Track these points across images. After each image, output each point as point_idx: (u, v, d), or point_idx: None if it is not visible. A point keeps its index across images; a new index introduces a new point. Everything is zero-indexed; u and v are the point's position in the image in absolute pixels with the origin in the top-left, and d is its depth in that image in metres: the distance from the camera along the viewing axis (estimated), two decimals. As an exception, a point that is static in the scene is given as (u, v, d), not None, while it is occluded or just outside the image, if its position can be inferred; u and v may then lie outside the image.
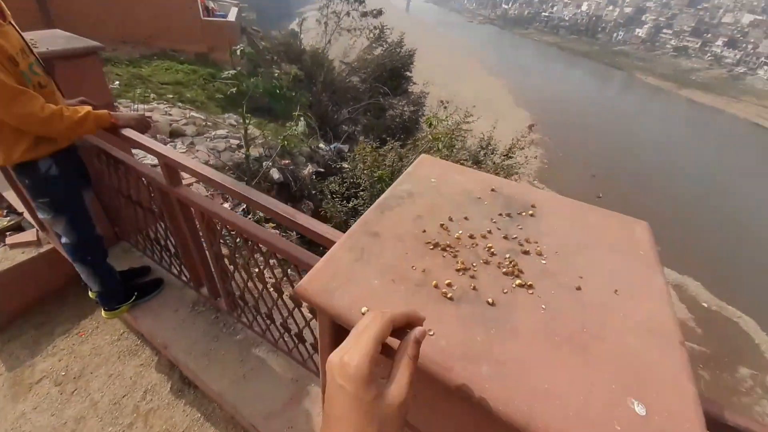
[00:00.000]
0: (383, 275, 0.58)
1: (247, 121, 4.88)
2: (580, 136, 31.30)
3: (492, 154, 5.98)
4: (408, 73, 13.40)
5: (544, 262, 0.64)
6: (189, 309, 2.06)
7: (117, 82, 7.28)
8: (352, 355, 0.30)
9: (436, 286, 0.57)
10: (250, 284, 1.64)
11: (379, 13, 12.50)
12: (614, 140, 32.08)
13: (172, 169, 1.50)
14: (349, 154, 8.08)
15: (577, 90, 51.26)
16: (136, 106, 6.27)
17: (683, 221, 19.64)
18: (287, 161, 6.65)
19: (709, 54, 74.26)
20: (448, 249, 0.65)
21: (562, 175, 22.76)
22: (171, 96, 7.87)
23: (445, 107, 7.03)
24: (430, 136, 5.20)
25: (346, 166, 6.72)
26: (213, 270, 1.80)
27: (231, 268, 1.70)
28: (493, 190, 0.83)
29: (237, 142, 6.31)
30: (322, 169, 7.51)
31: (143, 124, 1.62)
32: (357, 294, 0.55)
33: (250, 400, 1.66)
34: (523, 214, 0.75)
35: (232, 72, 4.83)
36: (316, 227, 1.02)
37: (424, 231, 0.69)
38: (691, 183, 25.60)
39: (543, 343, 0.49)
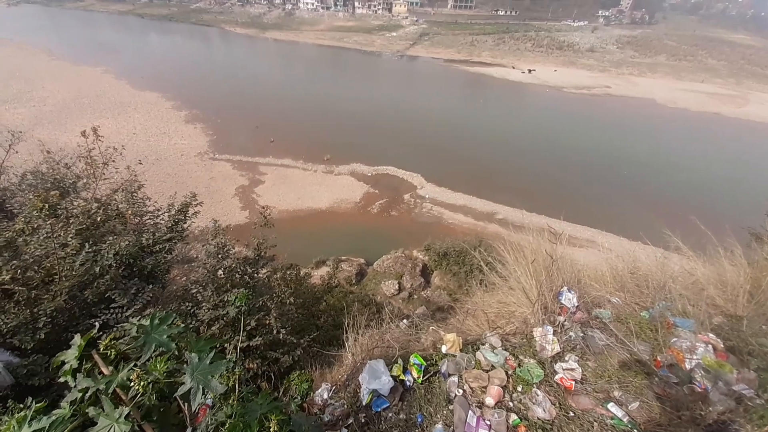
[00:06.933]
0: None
1: None
2: (224, 95, 32.62)
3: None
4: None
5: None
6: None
7: None
8: None
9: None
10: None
11: None
12: (252, 89, 35.67)
13: None
14: None
15: (192, 54, 50.58)
16: None
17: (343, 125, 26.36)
18: None
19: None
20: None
21: (234, 138, 24.11)
22: None
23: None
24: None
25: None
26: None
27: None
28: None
29: None
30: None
31: None
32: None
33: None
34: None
35: None
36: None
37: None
38: (332, 94, 33.21)
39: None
